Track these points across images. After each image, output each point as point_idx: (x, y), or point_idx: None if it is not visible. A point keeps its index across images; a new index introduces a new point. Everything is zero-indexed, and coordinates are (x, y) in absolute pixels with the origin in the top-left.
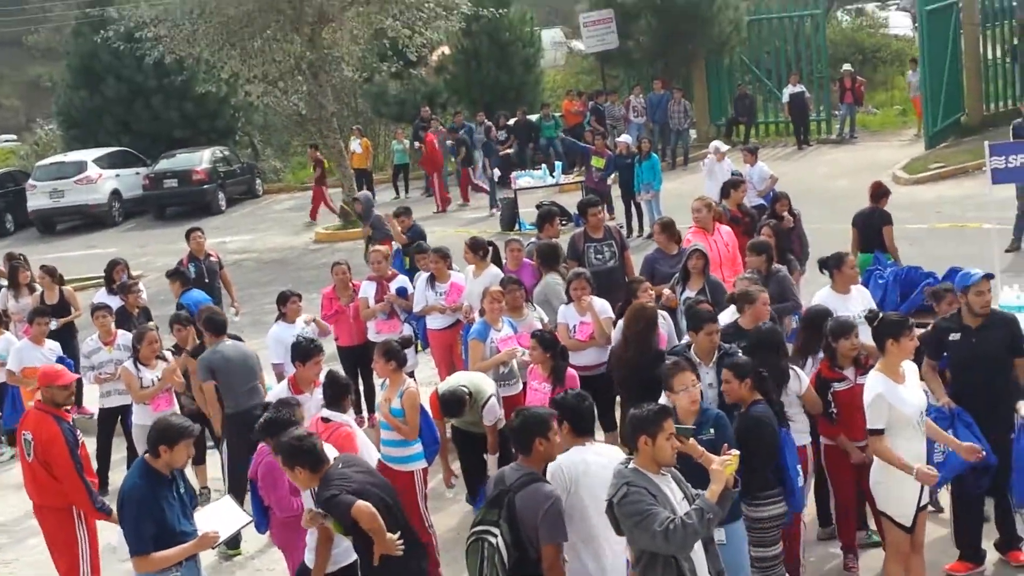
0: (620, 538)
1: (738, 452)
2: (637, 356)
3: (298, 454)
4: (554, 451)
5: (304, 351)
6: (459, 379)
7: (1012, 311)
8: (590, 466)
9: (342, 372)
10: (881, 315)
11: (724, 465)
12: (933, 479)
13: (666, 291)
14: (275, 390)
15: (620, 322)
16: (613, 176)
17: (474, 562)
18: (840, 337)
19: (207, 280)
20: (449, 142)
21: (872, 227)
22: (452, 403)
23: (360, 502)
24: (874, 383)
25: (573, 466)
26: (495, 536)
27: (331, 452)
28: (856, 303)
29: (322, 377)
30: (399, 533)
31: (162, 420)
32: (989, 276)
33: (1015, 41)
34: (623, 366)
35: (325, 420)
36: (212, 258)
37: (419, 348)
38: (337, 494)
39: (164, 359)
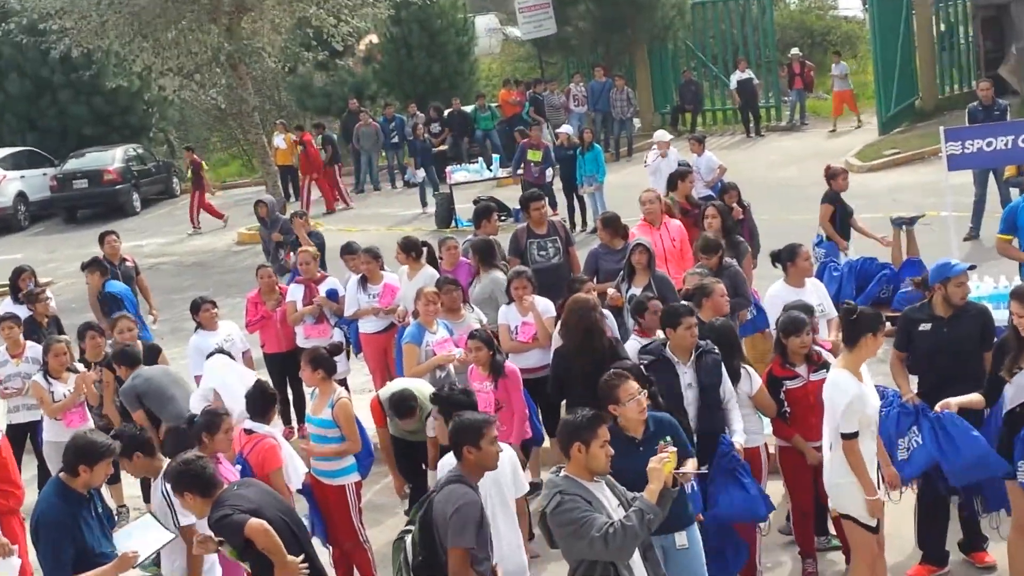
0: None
1: (675, 449)
2: (576, 353)
3: (185, 478)
4: (488, 459)
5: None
6: (400, 385)
7: (985, 302)
8: None
9: (268, 381)
10: (859, 309)
11: (662, 462)
12: (899, 482)
13: (611, 290)
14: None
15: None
16: (553, 169)
17: (396, 560)
18: (792, 334)
19: None
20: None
21: (847, 211)
22: (403, 405)
23: (254, 519)
24: (847, 383)
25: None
26: (409, 535)
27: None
28: (811, 297)
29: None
30: (303, 556)
31: (82, 437)
32: (972, 267)
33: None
34: (564, 365)
35: (248, 432)
36: (128, 263)
37: (351, 354)
38: (229, 514)
39: (75, 371)
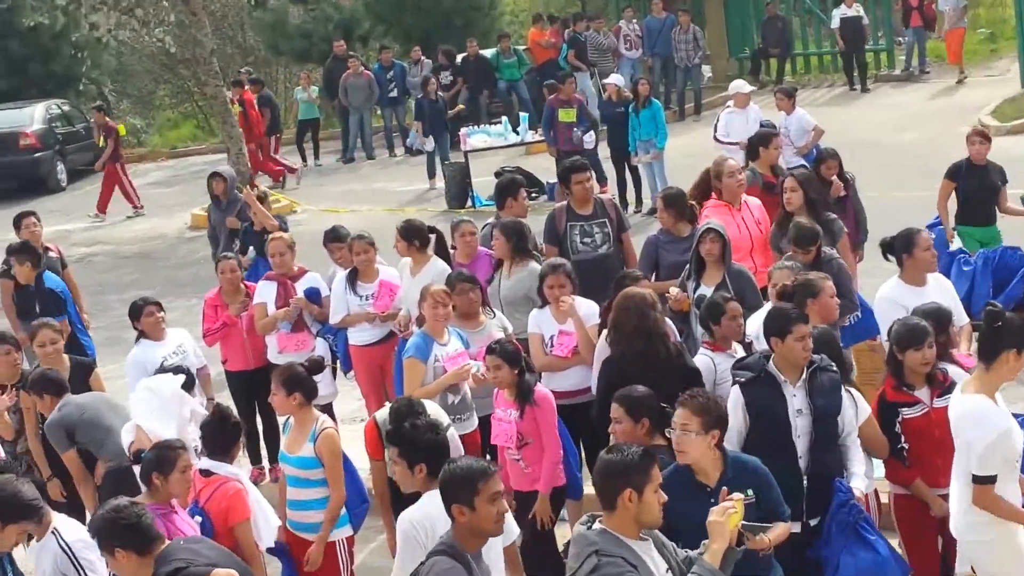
0: None
1: (742, 496)
2: (630, 364)
3: (116, 531)
4: (486, 522)
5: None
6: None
7: None
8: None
9: (231, 407)
10: (1006, 314)
11: (726, 515)
12: None
13: (673, 289)
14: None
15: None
16: (597, 132)
17: None
18: (910, 347)
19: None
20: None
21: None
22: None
23: (219, 569)
24: (990, 414)
25: (428, 521)
26: None
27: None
28: (934, 297)
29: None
30: None
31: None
32: None
33: None
34: (615, 380)
35: (206, 473)
36: (51, 253)
37: (338, 372)
38: (184, 567)
39: None
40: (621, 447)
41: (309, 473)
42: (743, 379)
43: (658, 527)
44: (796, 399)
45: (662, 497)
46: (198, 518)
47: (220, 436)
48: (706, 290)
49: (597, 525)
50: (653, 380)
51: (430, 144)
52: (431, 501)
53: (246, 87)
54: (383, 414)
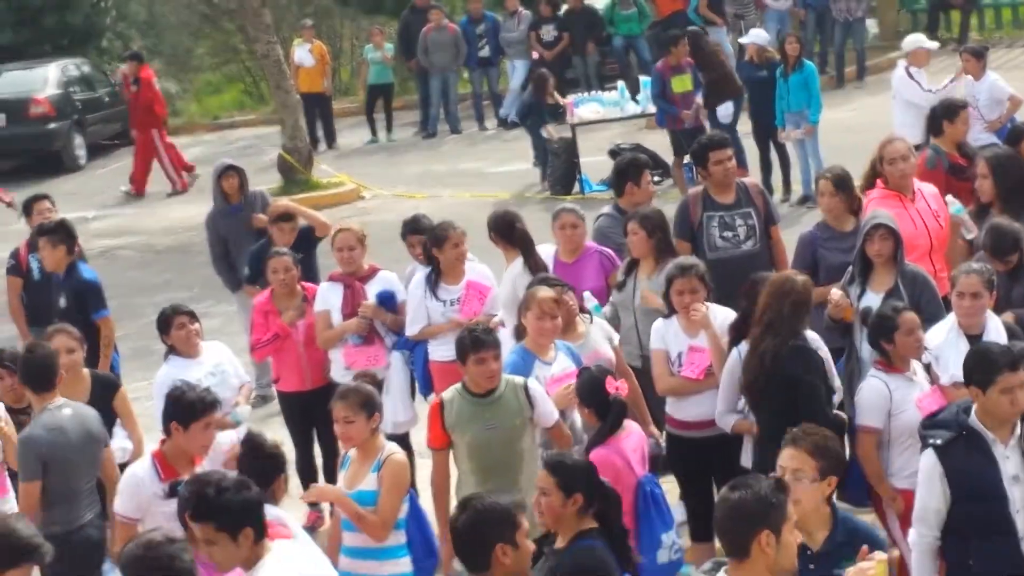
0: None
1: (884, 556)
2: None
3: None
4: (524, 560)
5: (188, 406)
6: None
7: None
8: None
9: (264, 433)
10: None
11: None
12: None
13: (835, 291)
14: (125, 479)
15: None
16: (731, 105)
17: None
18: None
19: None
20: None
21: None
22: None
23: None
24: None
25: None
26: None
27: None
28: None
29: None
30: None
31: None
32: None
33: None
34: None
35: None
36: None
37: (415, 394)
38: None
39: None
40: (754, 481)
41: (371, 511)
42: (939, 441)
43: (793, 571)
44: (1010, 462)
45: (799, 536)
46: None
47: (253, 471)
48: (874, 298)
49: (722, 574)
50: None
51: (512, 114)
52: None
53: (144, 62)
54: (451, 393)
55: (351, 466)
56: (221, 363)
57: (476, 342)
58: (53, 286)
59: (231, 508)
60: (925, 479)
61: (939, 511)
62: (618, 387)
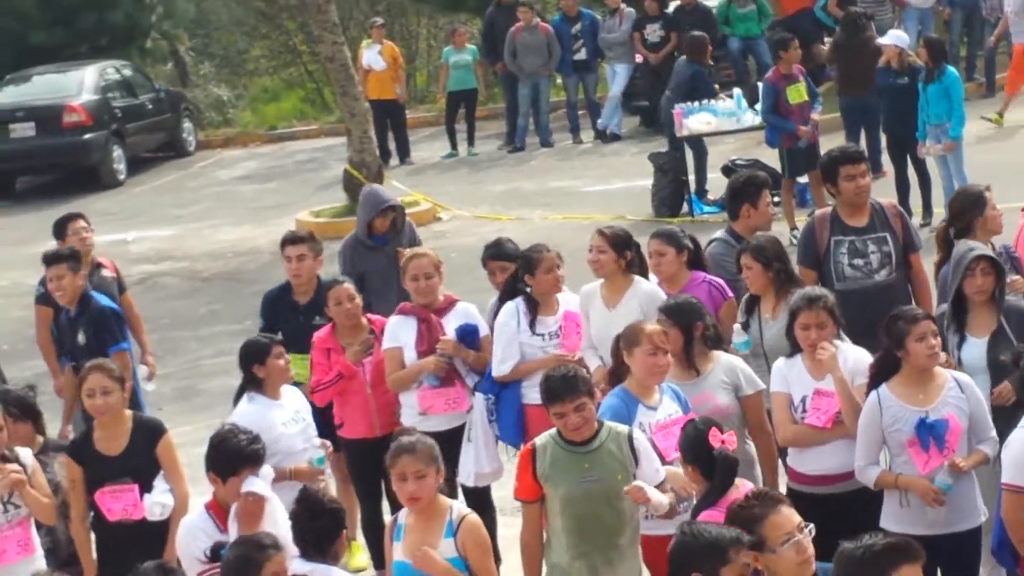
0: None
1: None
2: None
3: None
4: None
5: (232, 455)
6: None
7: None
8: None
9: (326, 488)
10: None
11: None
12: None
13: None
14: (181, 536)
15: None
16: (870, 113)
17: None
18: None
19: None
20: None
21: None
22: None
23: None
24: None
25: None
26: None
27: None
28: None
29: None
30: None
31: None
32: None
33: None
34: None
35: None
36: (105, 271)
37: (498, 442)
38: None
39: (8, 459)
40: (703, 525)
41: None
42: None
43: None
44: None
45: None
46: None
47: (311, 530)
48: (977, 343)
49: None
50: None
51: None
52: None
53: None
54: (544, 439)
55: (408, 535)
56: (301, 410)
57: (549, 393)
58: (70, 321)
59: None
60: None
61: None
62: (724, 440)
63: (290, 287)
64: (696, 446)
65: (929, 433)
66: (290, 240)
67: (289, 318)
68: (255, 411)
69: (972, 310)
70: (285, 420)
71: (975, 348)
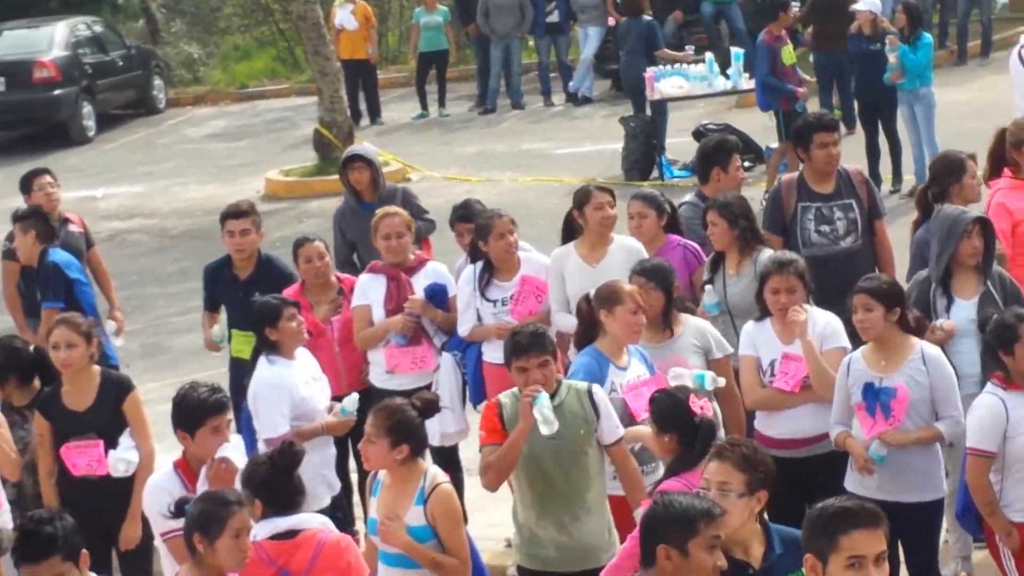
0: None
1: None
2: None
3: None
4: (693, 573)
5: (195, 407)
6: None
7: None
8: None
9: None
10: None
11: None
12: None
13: (947, 323)
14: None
15: None
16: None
17: None
18: None
19: None
20: None
21: None
22: None
23: None
24: None
25: None
26: None
27: None
28: None
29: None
30: None
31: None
32: None
33: None
34: None
35: (290, 534)
36: (72, 227)
37: (467, 400)
38: None
39: None
40: (674, 495)
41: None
42: None
43: None
44: None
45: (718, 561)
46: None
47: (274, 487)
48: (965, 306)
49: None
50: None
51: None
52: None
53: None
54: (509, 397)
55: (384, 493)
56: (315, 369)
57: (516, 348)
58: (29, 278)
59: None
60: None
61: None
62: (703, 406)
63: (230, 260)
64: (675, 415)
65: (876, 399)
66: (232, 214)
67: (229, 292)
68: (278, 373)
69: (959, 273)
70: (307, 380)
71: (964, 310)
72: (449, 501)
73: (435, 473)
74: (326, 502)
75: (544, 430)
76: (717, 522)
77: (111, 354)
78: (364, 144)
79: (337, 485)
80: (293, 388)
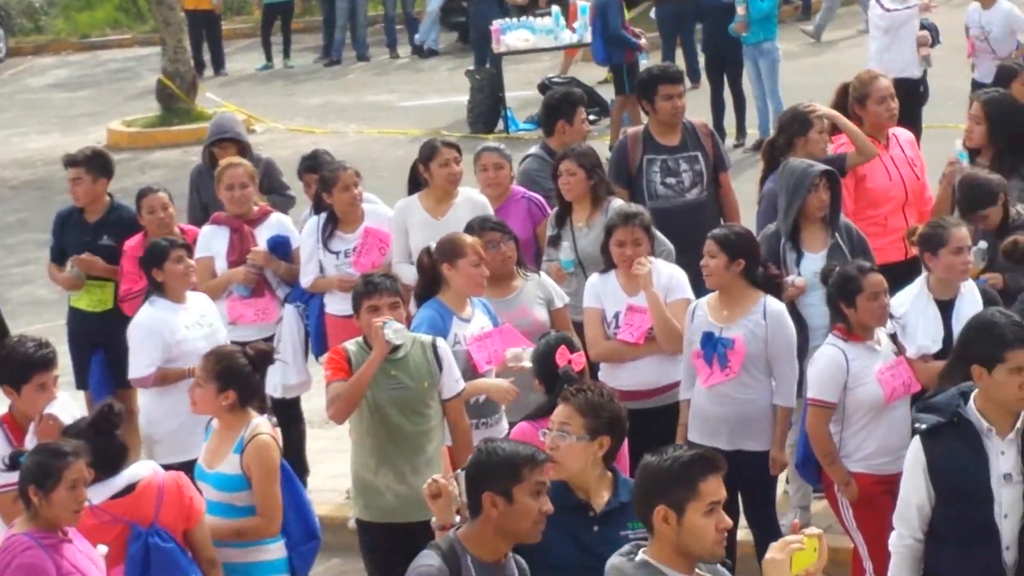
0: None
1: (816, 532)
2: None
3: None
4: (520, 520)
5: (21, 362)
6: None
7: None
8: None
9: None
10: None
11: (788, 552)
12: None
13: (798, 279)
14: None
15: None
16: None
17: None
18: None
19: None
20: None
21: None
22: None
23: None
24: None
25: None
26: None
27: None
28: None
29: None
30: None
31: None
32: None
33: None
34: None
35: (128, 491)
36: None
37: (309, 352)
38: None
39: None
40: (667, 449)
41: (233, 497)
42: (923, 426)
43: (714, 560)
44: (1004, 459)
45: (722, 522)
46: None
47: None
48: (814, 259)
49: (639, 555)
50: None
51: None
52: None
53: None
54: (355, 346)
55: (213, 438)
56: (207, 313)
57: (368, 286)
58: None
59: None
60: (908, 470)
61: (922, 508)
62: (571, 360)
63: (79, 213)
64: (543, 361)
65: (714, 349)
66: (68, 162)
67: (77, 237)
68: (155, 313)
69: (807, 226)
70: (189, 323)
71: (812, 263)
72: (264, 451)
73: (258, 424)
74: (197, 454)
75: (395, 339)
76: (542, 467)
77: None
78: (230, 115)
79: None
80: (167, 331)
